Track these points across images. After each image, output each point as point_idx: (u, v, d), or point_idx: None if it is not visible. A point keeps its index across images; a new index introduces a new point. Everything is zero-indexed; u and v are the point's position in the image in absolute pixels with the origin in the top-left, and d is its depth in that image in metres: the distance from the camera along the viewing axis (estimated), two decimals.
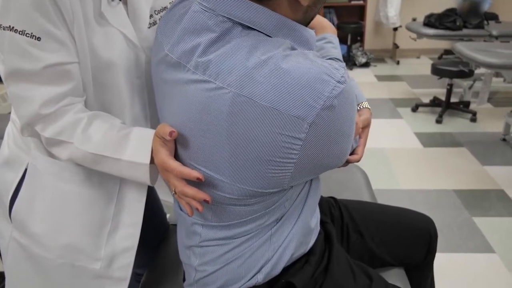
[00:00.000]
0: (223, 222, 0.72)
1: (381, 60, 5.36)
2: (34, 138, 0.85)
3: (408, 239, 1.04)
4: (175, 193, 0.70)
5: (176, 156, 0.71)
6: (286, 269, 0.77)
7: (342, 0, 5.11)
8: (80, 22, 0.74)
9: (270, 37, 0.65)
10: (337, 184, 1.44)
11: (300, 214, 0.76)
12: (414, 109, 3.62)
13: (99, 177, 0.86)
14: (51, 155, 0.84)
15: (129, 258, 0.91)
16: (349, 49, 5.07)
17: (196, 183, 0.68)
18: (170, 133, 0.66)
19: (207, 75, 0.62)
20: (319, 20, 0.97)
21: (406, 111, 3.65)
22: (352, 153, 0.87)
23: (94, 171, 0.83)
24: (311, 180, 0.79)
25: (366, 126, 0.90)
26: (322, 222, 0.94)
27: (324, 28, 0.96)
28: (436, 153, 2.88)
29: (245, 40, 0.62)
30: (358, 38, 5.31)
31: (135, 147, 0.75)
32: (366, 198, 1.36)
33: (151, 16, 0.89)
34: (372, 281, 0.84)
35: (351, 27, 4.91)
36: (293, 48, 0.65)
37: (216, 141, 0.63)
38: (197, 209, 0.67)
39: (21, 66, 0.71)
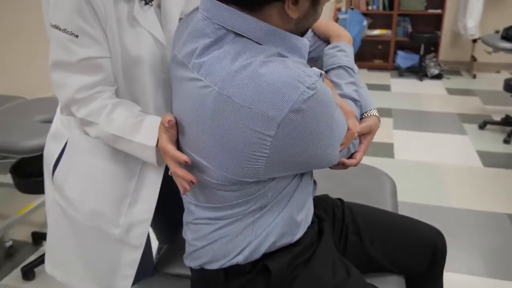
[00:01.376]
0: (212, 204, 0.80)
1: (456, 72, 5.09)
2: (73, 118, 1.00)
3: (410, 248, 1.04)
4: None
5: (177, 142, 0.81)
6: (267, 255, 0.83)
7: (418, 8, 4.95)
8: (112, 23, 0.87)
9: (260, 44, 0.72)
10: (359, 189, 1.46)
11: (285, 207, 0.82)
12: (482, 126, 3.41)
13: (124, 156, 0.99)
14: (85, 133, 0.98)
15: (144, 229, 1.03)
16: (421, 59, 4.90)
17: (189, 166, 0.78)
18: (168, 122, 0.76)
19: (200, 74, 0.71)
20: (336, 28, 1.01)
21: (472, 127, 3.46)
22: (350, 157, 0.91)
23: (119, 150, 0.96)
24: (301, 178, 0.84)
25: (368, 133, 0.93)
26: (320, 219, 0.98)
27: (340, 36, 1.00)
28: (497, 174, 2.71)
29: (234, 46, 0.71)
30: (432, 48, 5.10)
31: (146, 132, 0.87)
32: (386, 207, 1.36)
33: (180, 18, 1.00)
34: (350, 277, 0.87)
35: (425, 37, 4.74)
36: (280, 55, 0.73)
37: (203, 131, 0.72)
38: (185, 188, 0.77)
39: (61, 58, 0.86)
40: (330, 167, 0.90)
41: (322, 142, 0.72)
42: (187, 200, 0.87)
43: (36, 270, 1.94)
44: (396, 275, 1.06)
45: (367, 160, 2.94)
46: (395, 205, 1.40)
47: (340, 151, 0.83)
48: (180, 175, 0.77)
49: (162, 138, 0.80)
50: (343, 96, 0.92)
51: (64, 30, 0.84)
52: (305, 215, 0.87)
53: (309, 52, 1.04)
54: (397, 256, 1.04)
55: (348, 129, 0.82)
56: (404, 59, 5.15)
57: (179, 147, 0.81)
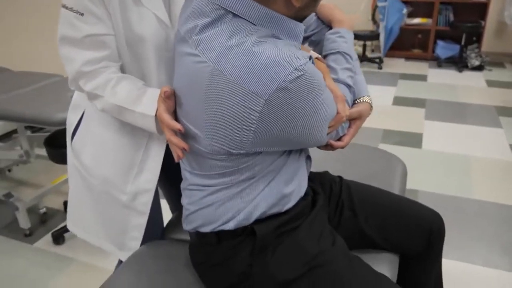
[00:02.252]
0: (203, 172, 0.86)
1: (499, 64, 4.88)
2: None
3: (405, 227, 1.06)
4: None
5: (175, 112, 0.87)
6: (257, 221, 0.88)
7: None
8: (115, 3, 0.93)
9: (255, 25, 0.76)
10: (368, 171, 1.47)
11: (272, 181, 0.86)
12: None
13: (131, 128, 1.07)
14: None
15: (148, 198, 1.11)
16: (462, 49, 4.72)
17: (184, 135, 0.85)
18: (164, 92, 0.82)
19: (198, 50, 0.77)
20: (339, 14, 1.05)
21: (509, 121, 3.33)
22: (339, 140, 0.94)
23: (126, 123, 1.03)
24: (289, 156, 0.88)
25: (357, 118, 0.96)
26: (315, 193, 1.02)
27: (341, 22, 1.03)
28: None
29: (231, 26, 0.75)
30: (474, 38, 4.90)
31: (147, 102, 0.93)
32: (393, 190, 1.38)
33: None
34: (333, 246, 0.91)
35: (467, 26, 4.56)
36: (275, 37, 0.77)
37: (197, 103, 0.78)
38: (179, 155, 0.83)
39: (68, 34, 0.94)
40: (319, 147, 0.93)
41: (307, 122, 0.76)
42: (183, 167, 0.93)
43: (65, 235, 2.10)
44: (390, 253, 1.08)
45: (392, 148, 2.94)
46: (402, 189, 1.41)
47: (328, 133, 0.86)
48: (174, 143, 0.83)
49: (160, 107, 0.87)
50: (337, 81, 0.95)
51: (71, 9, 0.92)
52: (295, 188, 0.91)
53: (311, 35, 1.09)
54: (391, 235, 1.06)
55: (337, 112, 0.85)
56: (444, 49, 4.99)
57: (176, 117, 0.87)
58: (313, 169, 1.45)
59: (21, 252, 2.03)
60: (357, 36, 4.94)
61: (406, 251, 1.09)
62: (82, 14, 0.91)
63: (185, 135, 0.85)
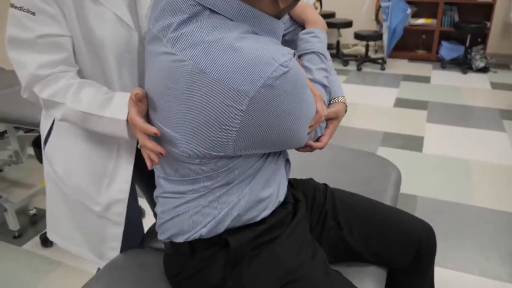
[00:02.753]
0: (179, 177, 0.81)
1: (504, 66, 4.79)
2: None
3: (392, 239, 1.00)
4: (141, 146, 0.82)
5: (148, 116, 0.82)
6: (232, 230, 0.83)
7: None
8: (69, 2, 0.87)
9: (234, 22, 0.72)
10: (361, 177, 1.42)
11: (249, 184, 0.82)
12: None
13: (100, 138, 1.02)
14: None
15: (122, 208, 1.07)
16: (467, 51, 4.64)
17: (159, 139, 0.80)
18: (135, 95, 0.77)
19: (174, 49, 0.72)
20: (312, 14, 1.02)
21: None
22: (317, 140, 0.90)
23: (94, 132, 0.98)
24: (267, 158, 0.83)
25: (334, 118, 0.93)
26: (296, 200, 0.97)
27: (316, 23, 1.01)
28: None
29: (209, 22, 0.71)
30: (479, 39, 4.81)
31: (116, 106, 0.88)
32: (385, 197, 1.32)
33: None
34: (313, 259, 0.86)
35: (471, 27, 4.47)
36: (254, 33, 0.73)
37: (176, 104, 0.73)
38: (154, 161, 0.79)
39: (18, 35, 0.86)
40: (297, 149, 0.89)
41: (292, 122, 0.73)
42: (157, 174, 0.88)
43: None
44: (376, 266, 1.03)
45: (392, 151, 2.88)
46: (395, 196, 1.35)
47: (308, 133, 0.83)
48: (149, 148, 0.78)
49: (131, 111, 0.82)
50: (313, 81, 0.92)
51: (21, 8, 0.85)
52: (272, 193, 0.86)
53: (284, 34, 1.05)
54: (377, 247, 1.00)
55: (316, 111, 0.82)
56: (448, 50, 4.91)
57: (149, 121, 0.82)
58: (300, 175, 1.40)
59: (9, 254, 2.00)
60: (360, 36, 4.87)
61: (393, 265, 1.03)
62: (33, 14, 0.85)
63: (159, 139, 0.80)
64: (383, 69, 4.90)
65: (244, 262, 0.83)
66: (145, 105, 0.81)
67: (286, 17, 1.06)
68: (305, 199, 1.03)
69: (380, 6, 5.00)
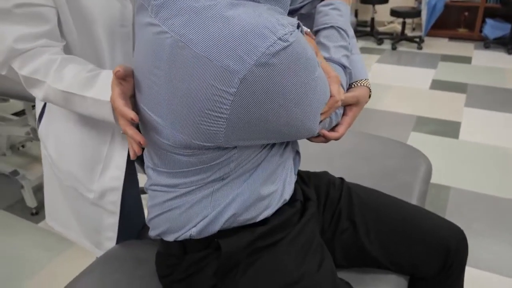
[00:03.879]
0: (167, 169, 0.71)
1: None
2: None
3: (415, 244, 0.87)
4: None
5: (134, 98, 0.72)
6: (227, 231, 0.73)
7: None
8: None
9: None
10: (385, 169, 1.28)
11: (248, 180, 0.71)
12: None
13: (93, 120, 0.92)
14: None
15: (116, 196, 0.98)
16: None
17: (144, 126, 0.70)
18: (116, 72, 0.67)
19: (157, 18, 0.62)
20: None
21: None
22: (333, 129, 0.78)
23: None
24: (271, 149, 0.72)
25: (354, 104, 0.80)
26: (306, 198, 0.86)
27: None
28: None
29: None
30: None
31: (101, 86, 0.77)
32: (412, 194, 1.18)
33: None
34: (319, 270, 0.74)
35: None
36: (256, 1, 0.61)
37: (158, 84, 0.63)
38: (135, 150, 0.69)
39: None
40: (309, 139, 0.77)
41: (296, 108, 0.61)
42: (146, 163, 0.78)
43: None
44: (396, 274, 0.90)
45: (425, 137, 2.69)
46: (423, 192, 1.21)
47: (320, 122, 0.71)
48: (129, 135, 0.68)
49: (114, 91, 0.71)
50: (329, 60, 0.79)
51: None
52: (275, 190, 0.75)
53: (300, 7, 0.93)
54: (397, 253, 0.88)
55: (331, 95, 0.69)
56: (493, 28, 4.55)
57: (136, 103, 0.72)
58: (316, 166, 1.27)
59: (25, 230, 1.99)
60: (396, 13, 4.59)
61: (416, 273, 0.90)
62: None
63: (145, 124, 0.70)
64: (420, 48, 4.61)
65: (239, 269, 0.73)
66: (130, 85, 0.71)
67: None
68: (317, 196, 0.91)
69: None
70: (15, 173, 2.11)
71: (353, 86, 0.85)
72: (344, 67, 0.80)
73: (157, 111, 0.65)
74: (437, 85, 3.60)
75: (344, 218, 0.89)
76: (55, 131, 0.98)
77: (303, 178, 0.93)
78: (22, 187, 2.08)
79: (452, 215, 1.97)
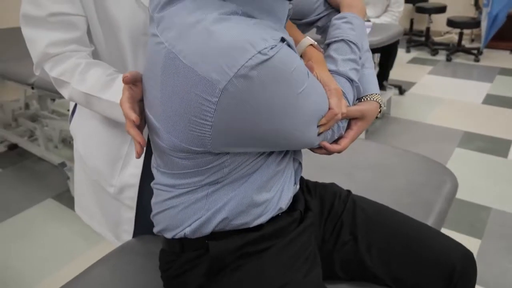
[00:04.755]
0: (167, 170, 0.76)
1: None
2: None
3: (417, 262, 0.85)
4: None
5: (142, 102, 0.77)
6: (219, 234, 0.76)
7: None
8: None
9: (226, 1, 0.64)
10: (406, 185, 1.25)
11: (242, 185, 0.74)
12: None
13: (115, 120, 0.99)
14: None
15: (133, 192, 1.04)
16: None
17: (149, 127, 0.75)
18: (123, 78, 0.73)
19: (158, 30, 0.67)
20: None
21: None
22: (336, 142, 0.79)
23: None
24: (267, 157, 0.74)
25: (359, 118, 0.79)
26: (307, 209, 0.87)
27: (351, 7, 0.88)
28: None
29: (194, 1, 0.64)
30: None
31: (116, 90, 0.84)
32: (431, 213, 1.15)
33: None
34: (304, 280, 0.75)
35: None
36: (247, 15, 0.65)
37: (155, 90, 0.68)
38: (137, 151, 0.74)
39: (29, 12, 0.86)
40: (311, 150, 0.78)
41: (282, 119, 0.64)
42: (151, 163, 0.84)
43: None
44: None
45: (471, 154, 2.57)
46: (443, 211, 1.17)
47: (320, 133, 0.72)
48: (131, 134, 0.74)
49: (123, 95, 0.77)
50: (336, 73, 0.80)
51: None
52: (270, 198, 0.76)
53: (317, 20, 0.94)
54: (400, 271, 0.86)
55: (329, 108, 0.71)
56: None
57: (144, 108, 0.77)
58: (337, 176, 1.27)
59: (67, 220, 2.13)
60: (453, 23, 4.41)
61: None
62: None
63: (149, 127, 0.75)
64: (477, 60, 4.40)
65: (226, 272, 0.76)
66: (139, 90, 0.76)
67: (319, 1, 0.94)
68: (321, 207, 0.92)
69: None
70: (63, 164, 2.28)
71: (362, 100, 0.85)
72: (351, 80, 0.81)
73: (155, 115, 0.70)
74: (491, 100, 3.42)
75: (345, 231, 0.89)
76: (84, 128, 1.06)
77: (308, 188, 0.94)
78: (68, 178, 2.23)
79: (490, 237, 1.88)
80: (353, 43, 0.82)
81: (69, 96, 0.90)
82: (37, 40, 0.88)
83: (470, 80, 3.90)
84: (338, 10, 0.91)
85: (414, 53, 4.82)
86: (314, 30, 0.99)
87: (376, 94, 0.86)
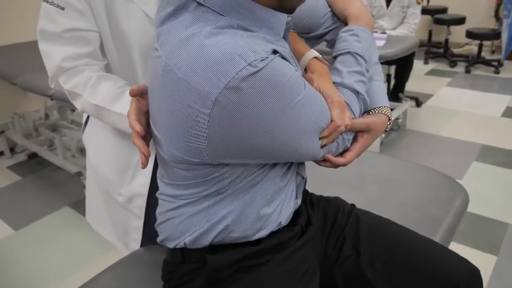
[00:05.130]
0: (170, 181, 0.77)
1: None
2: None
3: (422, 279, 0.84)
4: None
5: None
6: (217, 247, 0.77)
7: None
8: None
9: (223, 15, 0.65)
10: (415, 200, 1.24)
11: (244, 197, 0.74)
12: None
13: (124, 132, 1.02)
14: None
15: (142, 202, 1.06)
16: None
17: (154, 139, 0.77)
18: (130, 91, 0.75)
19: (158, 44, 0.70)
20: (355, 9, 0.89)
21: None
22: (341, 155, 0.79)
23: None
24: (270, 170, 0.75)
25: (366, 132, 0.79)
26: (309, 223, 0.87)
27: (358, 19, 0.88)
28: None
29: (192, 16, 0.66)
30: None
31: (125, 101, 0.87)
32: (439, 228, 1.13)
33: None
34: None
35: None
36: (244, 29, 0.66)
37: (155, 102, 0.70)
38: (142, 161, 0.76)
39: (46, 27, 0.91)
40: (316, 163, 0.79)
41: (277, 130, 0.64)
42: (157, 174, 0.86)
43: None
44: None
45: (486, 168, 2.51)
46: (452, 227, 1.15)
47: (323, 146, 0.72)
48: (137, 145, 0.76)
49: (131, 107, 0.80)
50: (341, 85, 0.80)
51: (51, 3, 0.89)
52: (270, 212, 0.77)
53: (325, 33, 0.95)
54: (401, 285, 0.85)
55: (331, 120, 0.71)
56: None
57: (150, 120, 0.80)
58: (345, 189, 1.27)
59: (82, 227, 2.17)
60: (472, 35, 4.36)
61: None
62: (62, 9, 0.88)
63: (153, 138, 0.77)
64: (497, 72, 4.32)
65: (223, 285, 0.76)
66: (146, 102, 0.79)
67: (328, 14, 0.94)
68: (324, 221, 0.92)
69: (501, 1, 4.41)
70: (79, 174, 2.33)
71: (370, 112, 0.85)
72: (356, 92, 0.81)
73: (157, 127, 0.72)
74: (511, 112, 3.35)
75: (348, 245, 0.89)
76: (95, 138, 1.10)
77: (312, 201, 0.94)
78: (84, 187, 2.28)
79: (506, 254, 1.83)
80: (359, 55, 0.82)
81: (82, 108, 0.94)
82: (52, 55, 0.92)
83: (490, 92, 3.83)
84: (346, 23, 0.91)
85: (432, 65, 4.77)
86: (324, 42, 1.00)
87: (384, 107, 0.85)
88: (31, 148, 2.80)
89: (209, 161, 0.68)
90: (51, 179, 2.74)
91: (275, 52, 0.63)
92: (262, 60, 0.60)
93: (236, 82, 0.59)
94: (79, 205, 2.37)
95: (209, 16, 0.65)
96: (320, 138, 0.71)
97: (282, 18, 0.70)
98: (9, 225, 2.26)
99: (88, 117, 1.14)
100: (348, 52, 0.82)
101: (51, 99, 2.17)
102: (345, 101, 0.76)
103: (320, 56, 0.84)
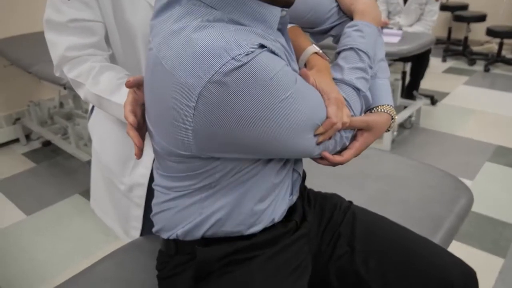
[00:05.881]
0: (165, 173, 0.78)
1: None
2: None
3: (415, 277, 0.83)
4: None
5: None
6: (208, 240, 0.77)
7: None
8: None
9: (215, 9, 0.65)
10: (418, 198, 1.22)
11: (236, 192, 0.74)
12: None
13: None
14: None
15: (142, 191, 1.08)
16: None
17: (148, 131, 0.77)
18: (126, 82, 0.76)
19: (151, 36, 0.70)
20: (361, 5, 0.87)
21: None
22: (339, 153, 0.78)
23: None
24: (265, 166, 0.75)
25: (366, 130, 0.78)
26: (303, 219, 0.87)
27: (363, 15, 0.86)
28: None
29: (184, 9, 0.66)
30: None
31: (123, 93, 0.88)
32: (441, 228, 1.12)
33: None
34: (293, 286, 0.75)
35: None
36: (235, 22, 0.65)
37: (147, 94, 0.71)
38: (135, 152, 0.77)
39: (52, 17, 0.92)
40: (314, 160, 0.78)
41: (263, 126, 0.63)
42: (153, 165, 0.87)
43: None
44: None
45: (499, 169, 2.47)
46: (454, 227, 1.14)
47: (319, 143, 0.72)
48: (130, 136, 0.77)
49: (128, 98, 0.81)
50: (341, 81, 0.78)
51: None
52: (263, 209, 0.77)
53: (330, 28, 0.93)
54: (395, 284, 0.84)
55: (327, 117, 0.70)
56: None
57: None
58: (348, 186, 1.27)
59: (91, 216, 2.22)
60: (493, 33, 4.26)
61: None
62: None
63: (148, 131, 0.78)
64: None
65: (212, 278, 0.77)
66: (142, 93, 0.80)
67: (333, 9, 0.92)
68: (320, 217, 0.91)
69: None
70: (90, 162, 2.37)
71: (373, 111, 0.84)
72: (357, 89, 0.79)
73: (149, 119, 0.73)
74: None
75: (343, 242, 0.89)
76: (100, 127, 1.12)
77: (309, 198, 0.94)
78: None
79: None
80: (363, 52, 0.80)
81: (84, 97, 0.96)
82: (57, 44, 0.94)
83: (508, 91, 3.75)
84: (352, 19, 0.90)
85: (450, 63, 4.68)
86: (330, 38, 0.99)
87: (387, 105, 0.84)
88: (46, 136, 2.86)
89: (197, 154, 0.68)
90: (63, 166, 2.80)
91: (262, 46, 0.62)
92: (246, 55, 0.59)
93: (220, 76, 0.58)
94: (89, 194, 2.40)
95: (201, 10, 0.64)
96: (316, 135, 0.70)
97: (275, 12, 0.69)
98: (21, 210, 2.32)
99: (93, 106, 1.15)
100: (351, 48, 0.81)
101: (64, 88, 2.21)
102: (344, 98, 0.75)
103: (321, 51, 0.83)
